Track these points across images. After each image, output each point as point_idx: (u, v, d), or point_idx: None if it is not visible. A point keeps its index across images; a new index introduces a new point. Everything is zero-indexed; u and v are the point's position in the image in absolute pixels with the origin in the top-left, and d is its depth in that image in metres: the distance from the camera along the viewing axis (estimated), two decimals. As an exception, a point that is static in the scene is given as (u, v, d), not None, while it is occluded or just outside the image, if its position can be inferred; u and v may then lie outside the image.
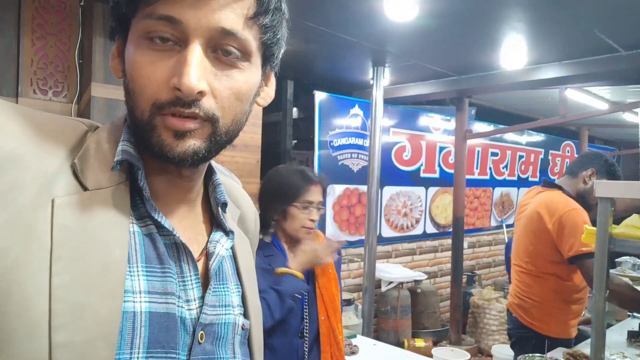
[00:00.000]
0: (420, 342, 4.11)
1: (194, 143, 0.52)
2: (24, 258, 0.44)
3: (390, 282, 4.28)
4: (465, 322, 4.77)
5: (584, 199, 2.33)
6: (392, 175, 4.49)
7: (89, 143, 0.53)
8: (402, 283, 4.32)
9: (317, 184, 1.67)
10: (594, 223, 2.14)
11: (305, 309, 1.64)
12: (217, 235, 0.63)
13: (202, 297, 0.58)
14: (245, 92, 0.55)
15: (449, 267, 4.87)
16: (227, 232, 0.64)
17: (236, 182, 1.06)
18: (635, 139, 7.25)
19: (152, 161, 0.55)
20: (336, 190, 4.09)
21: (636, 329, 2.39)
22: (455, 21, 2.65)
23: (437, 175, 4.96)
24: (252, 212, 0.80)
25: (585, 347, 2.22)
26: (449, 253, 4.68)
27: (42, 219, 0.46)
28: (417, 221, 4.84)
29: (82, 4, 2.61)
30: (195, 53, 0.49)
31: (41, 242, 0.45)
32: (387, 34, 2.89)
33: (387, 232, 4.56)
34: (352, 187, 4.20)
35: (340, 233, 4.12)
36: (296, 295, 1.55)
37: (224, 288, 0.62)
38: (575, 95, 4.19)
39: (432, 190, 4.95)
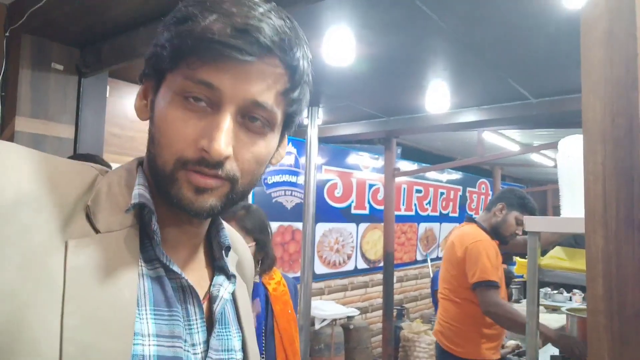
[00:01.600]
0: (354, 379, 4.11)
1: (212, 200, 0.54)
2: (35, 299, 0.44)
3: (324, 320, 4.28)
4: (397, 356, 4.85)
5: (498, 232, 2.53)
6: (324, 211, 4.56)
7: (101, 186, 0.54)
8: (335, 320, 4.34)
9: None
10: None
11: (263, 354, 1.60)
12: (220, 278, 0.64)
13: (207, 341, 0.58)
14: (265, 157, 0.58)
15: (379, 302, 4.96)
16: (229, 276, 0.65)
17: None
18: (540, 177, 7.96)
19: (163, 207, 0.56)
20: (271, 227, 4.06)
21: (557, 353, 2.57)
22: (386, 67, 2.82)
23: (367, 211, 5.11)
24: (249, 258, 0.82)
25: (514, 373, 2.36)
26: (380, 288, 4.78)
27: (55, 261, 0.46)
28: (349, 257, 4.92)
29: (7, 34, 2.47)
30: (227, 120, 0.52)
31: (54, 283, 0.45)
32: (324, 77, 3.01)
33: (320, 268, 4.58)
34: (285, 224, 4.21)
35: (275, 271, 4.07)
36: None
37: (226, 332, 0.63)
38: (490, 137, 4.57)
39: (363, 226, 5.08)
